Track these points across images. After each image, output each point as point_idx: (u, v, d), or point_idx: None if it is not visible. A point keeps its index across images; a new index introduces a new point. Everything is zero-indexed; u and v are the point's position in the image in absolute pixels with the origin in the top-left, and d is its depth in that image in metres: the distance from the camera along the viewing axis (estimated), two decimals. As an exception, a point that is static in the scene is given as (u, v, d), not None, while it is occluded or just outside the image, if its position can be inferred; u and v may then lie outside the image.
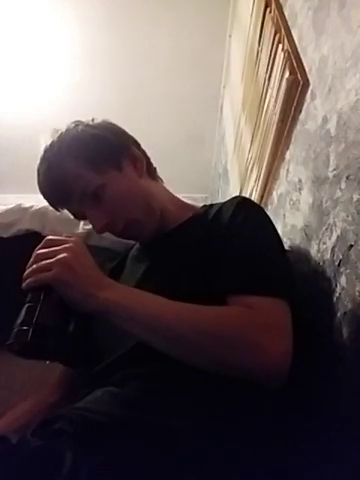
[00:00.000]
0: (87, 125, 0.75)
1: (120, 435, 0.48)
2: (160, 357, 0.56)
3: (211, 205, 0.78)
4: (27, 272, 0.57)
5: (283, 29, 1.10)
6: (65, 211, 0.77)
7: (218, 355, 0.53)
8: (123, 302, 0.56)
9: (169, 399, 0.54)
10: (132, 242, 0.89)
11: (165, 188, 0.84)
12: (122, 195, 0.71)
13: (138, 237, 0.77)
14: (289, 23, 1.11)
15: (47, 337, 0.53)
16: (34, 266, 0.57)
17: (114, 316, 0.57)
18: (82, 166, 0.69)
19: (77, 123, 0.75)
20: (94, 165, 0.70)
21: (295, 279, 0.65)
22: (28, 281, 0.57)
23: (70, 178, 0.69)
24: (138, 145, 0.80)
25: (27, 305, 0.55)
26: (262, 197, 1.32)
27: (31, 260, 0.59)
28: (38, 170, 0.73)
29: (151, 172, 0.81)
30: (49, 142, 0.72)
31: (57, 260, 0.56)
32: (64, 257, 0.56)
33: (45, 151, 0.72)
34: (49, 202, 0.75)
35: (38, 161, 0.73)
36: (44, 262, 0.57)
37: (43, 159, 0.72)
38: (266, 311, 0.55)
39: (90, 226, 0.74)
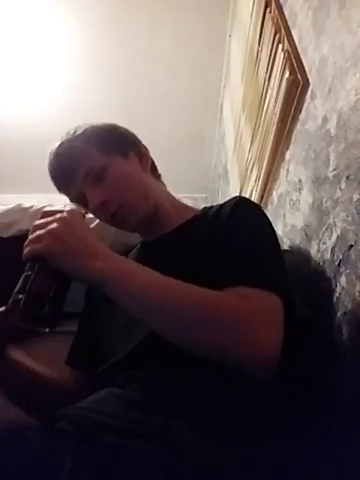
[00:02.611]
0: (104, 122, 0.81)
1: (122, 436, 0.48)
2: (163, 359, 0.56)
3: (210, 207, 0.79)
4: (25, 243, 0.59)
5: (283, 29, 1.11)
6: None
7: (208, 334, 0.53)
8: (116, 273, 0.56)
9: (171, 401, 0.54)
10: (132, 243, 0.89)
11: (167, 191, 0.85)
12: (123, 178, 0.75)
13: (127, 222, 0.77)
14: (289, 23, 1.11)
15: (40, 305, 0.55)
16: (30, 237, 0.58)
17: (107, 287, 0.56)
18: (91, 147, 0.74)
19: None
20: (102, 147, 0.75)
21: (290, 279, 0.65)
22: (24, 252, 0.58)
23: (78, 155, 0.74)
24: (147, 150, 0.84)
25: (24, 274, 0.57)
26: (262, 197, 1.33)
27: (30, 231, 0.60)
28: (51, 152, 0.77)
29: (155, 174, 0.85)
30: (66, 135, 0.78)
31: (47, 231, 0.57)
32: (54, 228, 0.57)
33: (61, 140, 0.78)
34: (55, 181, 0.78)
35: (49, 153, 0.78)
36: (37, 233, 0.57)
37: (58, 143, 0.77)
38: (260, 301, 0.56)
39: (91, 225, 0.75)
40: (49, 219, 0.59)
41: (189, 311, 0.54)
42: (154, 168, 0.85)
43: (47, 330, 0.57)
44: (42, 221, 0.59)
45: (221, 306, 0.54)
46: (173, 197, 0.85)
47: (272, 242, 0.67)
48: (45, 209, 0.62)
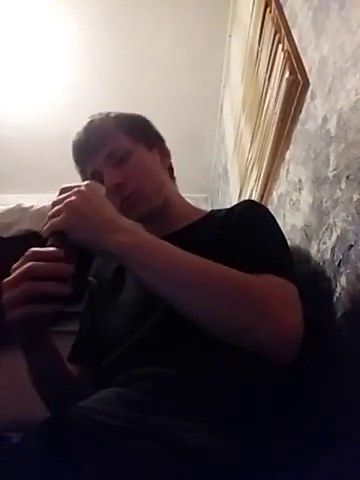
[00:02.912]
0: None
1: (125, 436, 0.47)
2: (164, 358, 0.56)
3: (218, 210, 0.82)
4: (46, 220, 0.58)
5: (283, 29, 1.11)
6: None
7: (233, 313, 0.52)
8: (137, 248, 0.54)
9: (172, 400, 0.54)
10: None
11: (179, 193, 0.88)
12: (143, 167, 0.78)
13: (135, 209, 0.77)
14: (289, 23, 1.11)
15: (61, 280, 0.52)
16: (49, 213, 0.58)
17: (128, 261, 0.55)
18: (121, 130, 0.78)
19: None
20: (131, 134, 0.78)
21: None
22: (44, 229, 0.57)
23: (107, 134, 0.77)
24: (169, 152, 0.88)
25: None
26: (262, 197, 1.33)
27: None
28: (80, 128, 0.79)
29: (171, 176, 0.88)
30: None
31: (65, 205, 0.56)
32: (71, 201, 0.56)
33: (93, 115, 0.80)
34: (77, 153, 0.79)
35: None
36: (55, 208, 0.57)
37: (88, 119, 0.80)
38: (283, 286, 0.56)
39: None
40: (67, 194, 0.58)
41: (220, 288, 0.53)
42: (171, 171, 0.88)
43: (71, 304, 0.55)
44: (60, 197, 0.59)
45: (252, 286, 0.54)
46: (183, 199, 0.87)
47: (285, 241, 0.70)
48: (63, 186, 0.61)
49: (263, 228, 0.69)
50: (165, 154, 0.86)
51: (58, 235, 0.55)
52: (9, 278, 0.52)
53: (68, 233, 0.55)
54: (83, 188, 0.59)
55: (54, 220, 0.56)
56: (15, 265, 0.53)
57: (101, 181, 0.74)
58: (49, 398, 0.70)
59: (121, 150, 0.76)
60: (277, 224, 0.73)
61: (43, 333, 0.64)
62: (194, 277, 0.53)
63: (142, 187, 0.76)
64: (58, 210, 0.56)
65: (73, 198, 0.56)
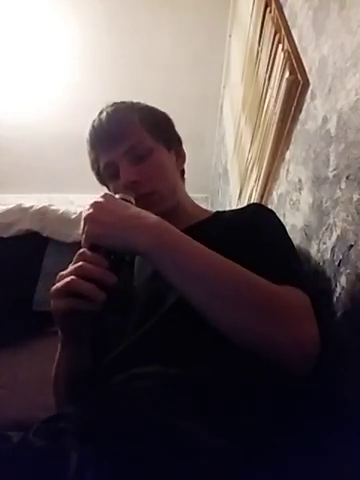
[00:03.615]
0: None
1: (126, 435, 0.47)
2: (164, 357, 0.56)
3: (223, 211, 0.84)
4: None
5: (283, 29, 1.11)
6: (64, 213, 0.79)
7: (260, 321, 0.52)
8: (157, 247, 0.55)
9: (175, 399, 0.54)
10: None
11: (187, 193, 0.90)
12: (162, 167, 0.78)
13: (151, 209, 0.77)
14: (289, 23, 1.11)
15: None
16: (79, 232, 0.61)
17: (152, 260, 0.56)
18: (144, 127, 0.77)
19: None
20: (153, 131, 0.77)
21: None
22: (82, 245, 0.60)
23: (130, 129, 0.75)
24: (185, 154, 0.89)
25: None
26: (262, 197, 1.33)
27: None
28: (101, 112, 0.78)
29: (182, 178, 0.89)
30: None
31: (84, 218, 0.59)
32: (89, 213, 0.59)
33: (115, 102, 0.79)
34: (96, 140, 0.78)
35: (100, 111, 0.79)
36: (81, 225, 0.60)
37: (110, 105, 0.79)
38: (303, 299, 0.57)
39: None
40: (87, 207, 0.61)
41: (251, 296, 0.53)
42: (183, 173, 0.89)
43: (106, 312, 0.58)
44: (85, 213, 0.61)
45: (280, 298, 0.54)
46: (191, 199, 0.89)
47: (293, 245, 0.72)
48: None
49: (276, 236, 0.70)
50: (181, 156, 0.87)
51: (95, 248, 0.58)
52: (64, 272, 0.56)
53: (99, 243, 0.57)
54: (97, 199, 0.61)
55: (82, 236, 0.59)
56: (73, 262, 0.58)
57: (114, 173, 0.75)
58: (61, 395, 0.71)
59: (142, 147, 0.75)
60: (286, 229, 0.74)
61: (81, 333, 0.65)
62: (222, 282, 0.53)
63: (158, 189, 0.76)
64: (83, 225, 0.59)
65: (91, 210, 0.59)
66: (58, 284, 0.55)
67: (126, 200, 0.64)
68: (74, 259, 0.57)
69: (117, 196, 0.65)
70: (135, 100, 0.85)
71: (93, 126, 0.78)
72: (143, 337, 0.63)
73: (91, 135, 0.78)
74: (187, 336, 0.60)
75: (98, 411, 0.52)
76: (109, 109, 0.78)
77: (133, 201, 0.65)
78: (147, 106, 0.83)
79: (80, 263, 0.55)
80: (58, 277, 0.56)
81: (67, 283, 0.53)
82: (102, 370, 0.66)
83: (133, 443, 0.46)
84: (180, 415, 0.51)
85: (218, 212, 0.84)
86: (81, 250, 0.57)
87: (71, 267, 0.56)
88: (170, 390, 0.55)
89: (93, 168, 0.82)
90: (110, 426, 0.49)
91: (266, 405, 0.55)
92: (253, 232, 0.69)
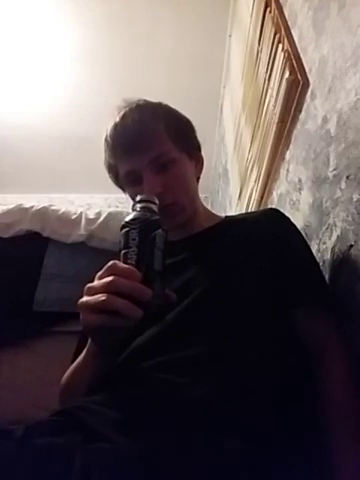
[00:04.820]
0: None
1: (132, 433, 0.47)
2: (176, 361, 0.56)
3: (233, 215, 0.86)
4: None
5: (283, 29, 1.11)
6: (64, 213, 0.77)
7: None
8: None
9: (182, 398, 0.53)
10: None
11: (200, 198, 0.89)
12: (184, 178, 0.78)
13: (173, 220, 0.76)
14: (289, 23, 1.11)
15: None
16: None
17: None
18: (169, 136, 0.75)
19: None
20: (177, 141, 0.76)
21: None
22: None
23: (156, 139, 0.74)
24: (203, 159, 0.90)
25: None
26: (262, 197, 1.33)
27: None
28: (124, 114, 0.74)
29: (198, 181, 0.89)
30: (139, 100, 0.78)
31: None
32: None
33: (138, 104, 0.76)
34: (119, 146, 0.74)
35: (120, 112, 0.75)
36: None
37: (133, 106, 0.76)
38: (336, 332, 0.63)
39: (92, 226, 0.74)
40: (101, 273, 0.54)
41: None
42: (198, 177, 0.89)
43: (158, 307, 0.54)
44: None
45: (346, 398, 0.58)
46: (203, 203, 0.89)
47: (313, 254, 0.74)
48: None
49: (302, 250, 0.73)
50: (200, 162, 0.87)
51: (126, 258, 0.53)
52: (93, 284, 0.52)
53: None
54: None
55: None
56: (99, 273, 0.52)
57: (135, 180, 0.74)
58: (75, 398, 0.66)
59: (167, 157, 0.74)
60: (303, 236, 0.76)
61: (114, 345, 0.61)
62: None
63: (180, 201, 0.76)
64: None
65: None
66: (90, 299, 0.50)
67: (150, 201, 0.62)
68: (104, 270, 0.52)
69: (139, 197, 0.62)
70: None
71: (115, 129, 0.74)
72: (179, 321, 0.62)
73: (113, 139, 0.74)
74: (199, 338, 0.60)
75: (144, 404, 0.52)
76: (133, 113, 0.74)
77: (157, 202, 0.62)
78: (171, 110, 0.81)
79: (112, 278, 0.50)
80: (87, 289, 0.52)
81: (102, 302, 0.49)
82: (131, 356, 0.64)
83: (140, 442, 0.45)
84: (183, 416, 0.50)
85: (228, 216, 0.86)
86: (111, 262, 0.52)
87: (103, 281, 0.51)
88: (177, 390, 0.54)
89: (110, 171, 0.80)
90: (116, 423, 0.48)
91: (281, 407, 0.54)
92: (278, 242, 0.70)
